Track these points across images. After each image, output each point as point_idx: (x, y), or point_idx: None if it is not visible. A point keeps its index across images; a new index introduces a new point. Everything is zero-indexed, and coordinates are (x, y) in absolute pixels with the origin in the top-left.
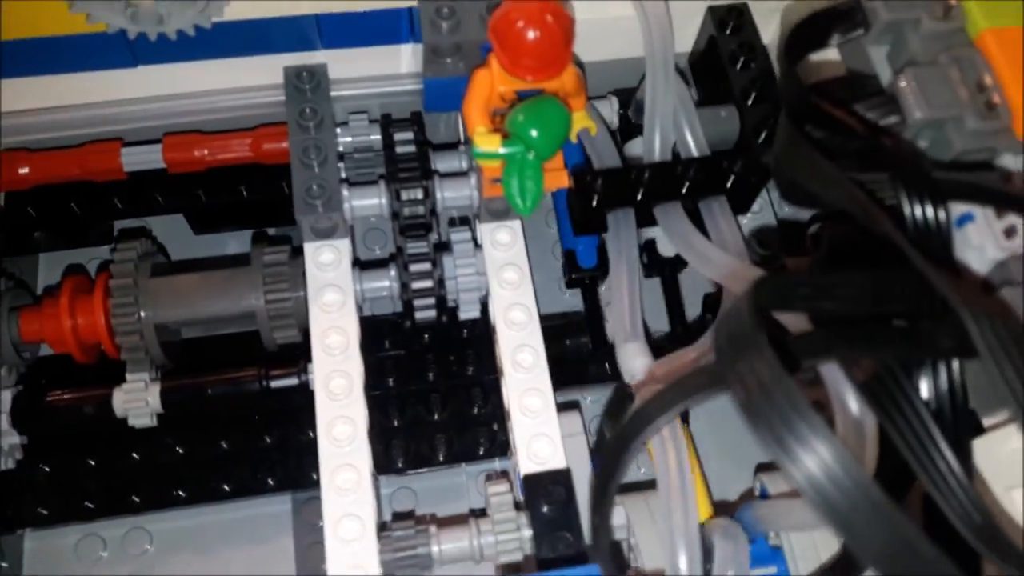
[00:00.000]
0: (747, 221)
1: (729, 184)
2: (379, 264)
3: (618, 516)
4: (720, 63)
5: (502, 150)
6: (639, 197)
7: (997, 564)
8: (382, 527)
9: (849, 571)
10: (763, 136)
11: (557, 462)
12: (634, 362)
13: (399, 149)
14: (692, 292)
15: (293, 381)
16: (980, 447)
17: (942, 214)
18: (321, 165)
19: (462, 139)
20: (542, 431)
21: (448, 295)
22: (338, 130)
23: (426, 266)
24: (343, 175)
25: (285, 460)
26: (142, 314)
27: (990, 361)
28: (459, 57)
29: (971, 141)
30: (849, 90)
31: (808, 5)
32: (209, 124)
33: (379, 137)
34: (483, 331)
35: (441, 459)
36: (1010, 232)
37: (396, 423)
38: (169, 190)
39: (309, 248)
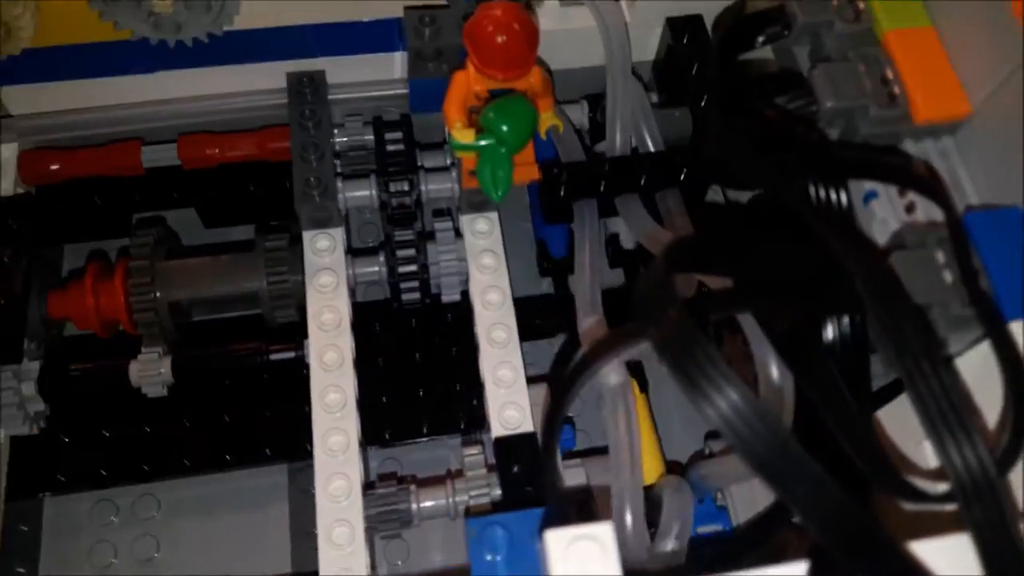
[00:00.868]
0: None
1: (682, 177)
2: (370, 251)
3: (578, 477)
4: (677, 69)
5: (476, 143)
6: (601, 188)
7: (884, 492)
8: (368, 487)
9: (781, 518)
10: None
11: (525, 427)
12: (594, 332)
13: (389, 147)
14: None
15: (291, 355)
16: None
17: (843, 193)
18: (319, 161)
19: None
20: (513, 400)
21: (432, 279)
22: (335, 130)
23: (411, 252)
24: (339, 170)
25: (282, 433)
26: (157, 293)
27: (872, 312)
28: (440, 61)
29: (875, 127)
30: (779, 83)
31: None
32: (219, 125)
33: (372, 137)
34: (464, 316)
35: (424, 432)
36: (911, 208)
37: (384, 399)
38: (183, 185)
39: (307, 236)
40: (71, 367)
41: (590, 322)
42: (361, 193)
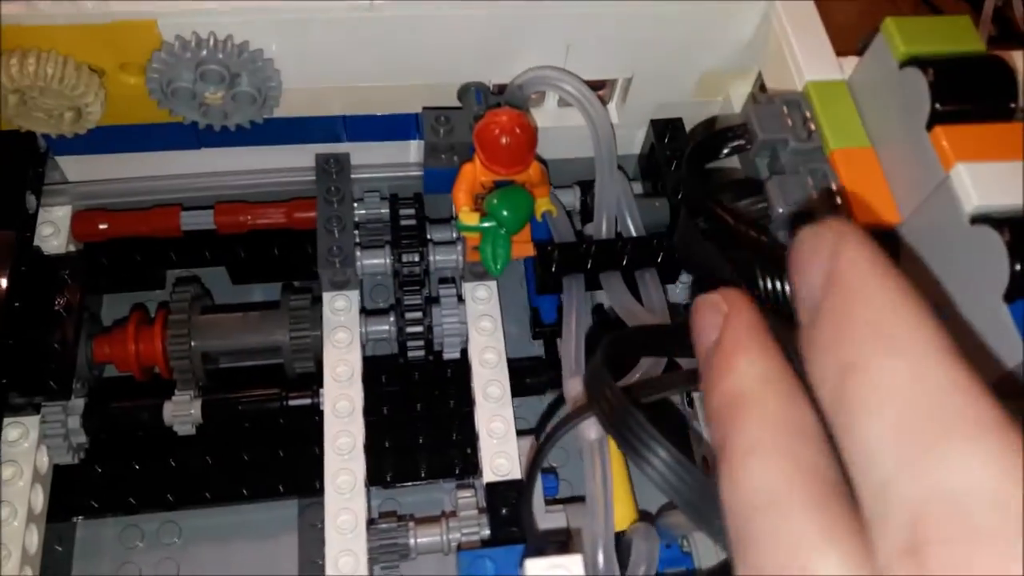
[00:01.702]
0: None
1: (658, 259)
2: (381, 312)
3: (559, 520)
4: (658, 164)
5: (480, 224)
6: (588, 266)
7: None
8: (371, 522)
9: None
10: None
11: (514, 474)
12: (576, 392)
13: (402, 221)
14: None
15: (306, 402)
16: None
17: (787, 285)
18: (341, 232)
19: (452, 215)
20: (503, 449)
21: (435, 339)
22: (355, 204)
23: (418, 314)
24: (357, 240)
25: (294, 471)
26: (192, 343)
27: None
28: (452, 153)
29: None
30: (744, 188)
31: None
32: (253, 195)
33: (388, 211)
34: (463, 372)
35: (423, 475)
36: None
37: (387, 444)
38: (216, 247)
39: (326, 296)
40: (112, 405)
41: (574, 383)
42: (376, 261)
